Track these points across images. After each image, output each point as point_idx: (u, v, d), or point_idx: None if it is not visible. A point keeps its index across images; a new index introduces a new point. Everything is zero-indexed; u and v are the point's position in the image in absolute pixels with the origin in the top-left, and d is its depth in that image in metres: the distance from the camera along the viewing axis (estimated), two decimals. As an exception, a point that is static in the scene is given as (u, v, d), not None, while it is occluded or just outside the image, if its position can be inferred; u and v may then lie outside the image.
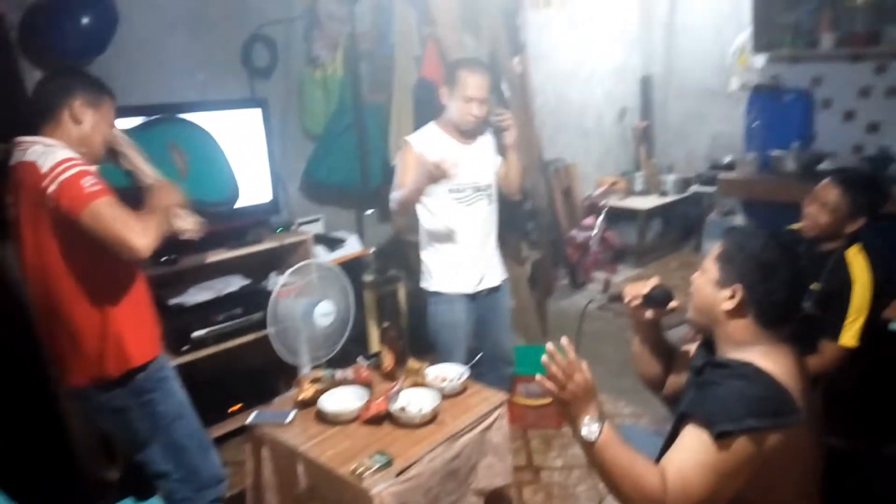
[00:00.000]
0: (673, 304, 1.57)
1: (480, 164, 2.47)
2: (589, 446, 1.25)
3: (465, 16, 3.34)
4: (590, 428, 1.24)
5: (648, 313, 1.59)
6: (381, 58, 3.45)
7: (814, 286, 2.13)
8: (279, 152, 3.08)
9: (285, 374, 2.74)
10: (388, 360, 2.30)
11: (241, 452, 2.35)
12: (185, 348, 2.56)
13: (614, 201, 5.21)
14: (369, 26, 3.45)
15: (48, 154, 1.64)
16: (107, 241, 1.61)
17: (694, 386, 1.40)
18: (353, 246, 3.30)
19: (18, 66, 2.34)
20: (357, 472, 1.72)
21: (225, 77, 3.02)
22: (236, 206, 2.52)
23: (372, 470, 1.73)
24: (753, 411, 1.20)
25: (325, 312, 2.30)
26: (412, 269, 2.65)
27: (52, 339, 1.80)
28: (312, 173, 3.41)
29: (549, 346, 1.27)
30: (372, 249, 3.49)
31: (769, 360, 1.28)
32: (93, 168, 1.70)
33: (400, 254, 3.59)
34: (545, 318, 3.84)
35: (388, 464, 1.76)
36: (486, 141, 2.52)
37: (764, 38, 3.96)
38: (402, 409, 2.00)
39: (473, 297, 2.53)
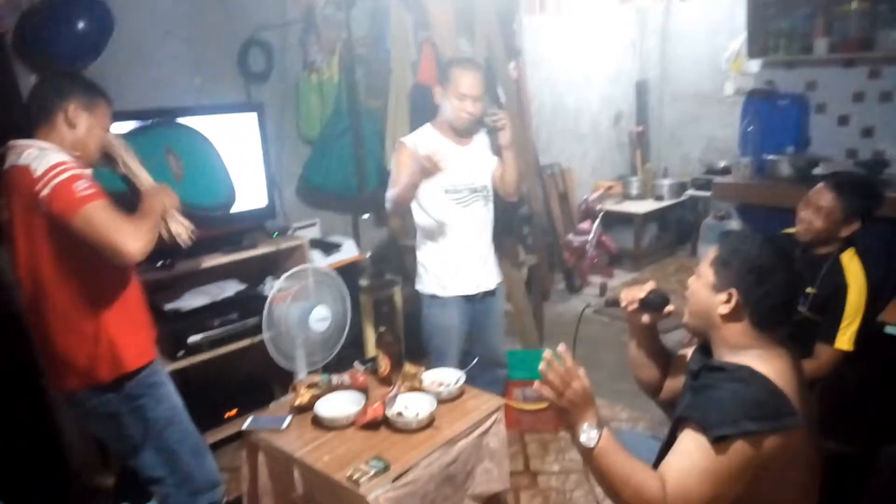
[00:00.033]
0: (669, 308, 1.57)
1: (476, 165, 2.47)
2: (588, 453, 1.25)
3: (461, 21, 3.35)
4: (588, 435, 1.24)
5: (645, 317, 1.59)
6: (377, 63, 3.46)
7: (809, 290, 2.13)
8: (275, 157, 3.08)
9: (281, 380, 2.73)
10: (384, 365, 2.29)
11: (236, 458, 2.35)
12: (180, 353, 2.55)
13: (610, 206, 5.22)
14: (365, 31, 3.46)
15: (42, 158, 1.63)
16: (98, 245, 1.60)
17: (691, 390, 1.40)
18: (349, 250, 3.30)
19: (13, 70, 2.33)
20: (353, 478, 1.72)
21: (221, 81, 3.02)
22: (232, 210, 2.51)
23: (368, 475, 1.72)
24: (750, 415, 1.20)
25: (320, 317, 2.29)
26: (408, 273, 2.65)
27: (45, 343, 1.79)
28: (308, 178, 3.41)
29: (547, 353, 1.27)
30: (368, 254, 3.49)
31: (765, 363, 1.28)
32: (87, 172, 1.69)
33: (396, 258, 3.60)
34: (542, 323, 3.84)
35: (385, 469, 1.76)
36: (482, 142, 2.52)
37: (758, 43, 3.98)
38: (399, 413, 1.99)
39: (468, 301, 2.53)
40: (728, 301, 1.33)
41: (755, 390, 1.24)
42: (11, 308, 2.15)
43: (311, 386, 2.14)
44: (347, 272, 2.84)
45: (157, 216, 1.79)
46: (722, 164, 5.05)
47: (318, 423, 2.02)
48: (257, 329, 2.36)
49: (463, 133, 2.44)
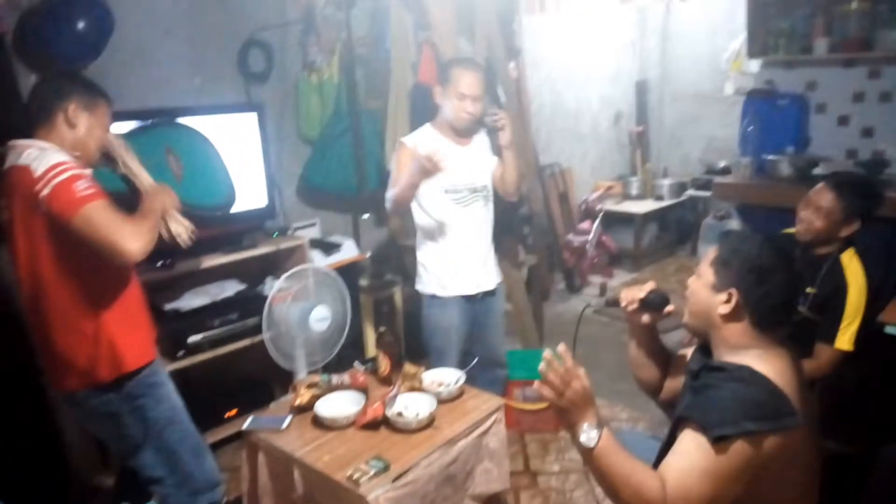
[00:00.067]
0: (669, 308, 1.57)
1: (476, 165, 2.47)
2: (588, 453, 1.25)
3: (461, 21, 3.35)
4: (588, 435, 1.24)
5: (645, 317, 1.59)
6: (377, 63, 3.46)
7: (809, 290, 2.14)
8: (275, 157, 3.08)
9: (281, 380, 2.73)
10: (384, 365, 2.29)
11: (237, 458, 2.35)
12: (180, 353, 2.55)
13: (610, 205, 5.22)
14: (365, 31, 3.46)
15: (42, 158, 1.63)
16: (98, 244, 1.60)
17: (691, 390, 1.40)
18: (349, 251, 3.30)
19: (14, 69, 2.33)
20: (354, 478, 1.72)
21: (221, 82, 3.02)
22: (232, 210, 2.51)
23: (368, 475, 1.72)
24: (750, 414, 1.20)
25: (320, 317, 2.29)
26: (408, 273, 2.65)
27: (45, 343, 1.79)
28: (308, 178, 3.41)
29: (547, 353, 1.27)
30: (368, 254, 3.49)
31: (765, 363, 1.28)
32: (86, 172, 1.69)
33: (396, 258, 3.60)
34: (542, 323, 3.84)
35: (385, 469, 1.76)
36: (482, 142, 2.52)
37: (758, 43, 3.98)
38: (399, 414, 1.99)
39: (468, 301, 2.53)
40: (728, 301, 1.33)
41: (755, 390, 1.24)
42: (12, 308, 2.15)
43: (311, 386, 2.14)
44: (347, 272, 2.84)
45: (157, 216, 1.79)
46: (722, 164, 5.05)
47: (319, 423, 2.02)
48: (257, 329, 2.36)
49: (463, 133, 2.44)
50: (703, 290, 1.38)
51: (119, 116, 2.01)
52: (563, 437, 2.87)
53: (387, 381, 2.27)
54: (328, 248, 3.23)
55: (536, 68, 4.77)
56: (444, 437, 1.93)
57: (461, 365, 2.41)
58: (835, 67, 3.81)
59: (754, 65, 4.20)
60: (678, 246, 5.67)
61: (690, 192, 5.43)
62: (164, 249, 1.94)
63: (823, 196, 2.13)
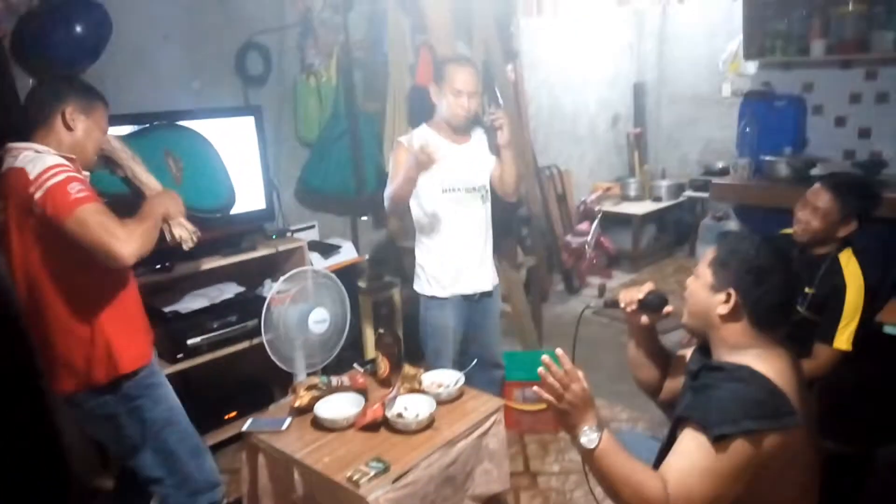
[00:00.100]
0: (668, 308, 1.58)
1: (474, 164, 2.47)
2: (588, 454, 1.26)
3: (459, 24, 3.36)
4: (589, 437, 1.25)
5: (644, 318, 1.60)
6: (374, 66, 3.46)
7: (807, 290, 2.14)
8: (273, 160, 3.08)
9: (281, 382, 2.73)
10: (383, 367, 2.29)
11: (236, 460, 2.35)
12: (180, 356, 2.55)
13: (608, 207, 5.23)
14: (363, 34, 3.47)
15: (37, 160, 1.64)
16: (91, 247, 1.60)
17: (690, 390, 1.40)
18: (347, 253, 3.31)
19: (12, 73, 2.33)
20: (354, 479, 1.72)
21: (219, 85, 3.03)
22: (231, 213, 2.51)
23: (368, 476, 1.73)
24: (750, 413, 1.20)
25: (319, 319, 2.29)
26: (407, 274, 2.65)
27: (43, 345, 1.79)
28: (307, 180, 3.42)
29: (546, 357, 1.28)
30: (366, 256, 3.49)
31: (764, 362, 1.29)
32: (82, 175, 1.69)
33: (395, 260, 3.60)
34: (541, 324, 3.85)
35: (385, 470, 1.76)
36: (480, 141, 2.52)
37: (755, 44, 3.99)
38: (399, 415, 2.00)
39: (466, 301, 2.53)
40: (727, 301, 1.34)
41: (755, 390, 1.25)
42: (11, 310, 2.15)
43: (310, 388, 2.14)
44: (346, 274, 2.85)
45: (154, 220, 1.79)
46: (720, 165, 5.06)
47: (318, 424, 2.02)
48: (256, 331, 2.37)
49: (460, 131, 2.45)
50: (702, 290, 1.39)
51: (117, 120, 2.01)
52: (562, 438, 2.87)
53: (386, 383, 2.27)
54: (327, 250, 3.24)
55: (534, 71, 4.78)
56: (444, 438, 1.93)
57: (458, 366, 2.41)
58: (832, 69, 3.82)
59: (751, 66, 4.22)
60: (676, 247, 5.68)
61: (688, 193, 5.44)
62: (164, 252, 1.94)
63: (821, 196, 2.14)
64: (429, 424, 1.98)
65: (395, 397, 2.08)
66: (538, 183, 4.37)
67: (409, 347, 2.89)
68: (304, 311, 2.28)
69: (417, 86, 3.34)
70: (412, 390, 2.16)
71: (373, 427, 1.98)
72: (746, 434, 1.19)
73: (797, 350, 1.44)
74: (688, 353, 1.60)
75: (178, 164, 2.24)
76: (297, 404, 2.09)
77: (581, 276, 4.86)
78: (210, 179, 2.37)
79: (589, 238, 4.75)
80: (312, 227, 3.39)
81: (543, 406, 2.82)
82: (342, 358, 2.47)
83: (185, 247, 1.91)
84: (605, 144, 5.79)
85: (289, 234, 3.10)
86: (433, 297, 2.50)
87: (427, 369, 2.31)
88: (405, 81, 3.39)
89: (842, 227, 2.13)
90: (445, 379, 2.23)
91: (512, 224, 3.64)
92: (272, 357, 2.27)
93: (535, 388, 1.27)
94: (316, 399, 2.10)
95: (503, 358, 2.83)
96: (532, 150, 4.28)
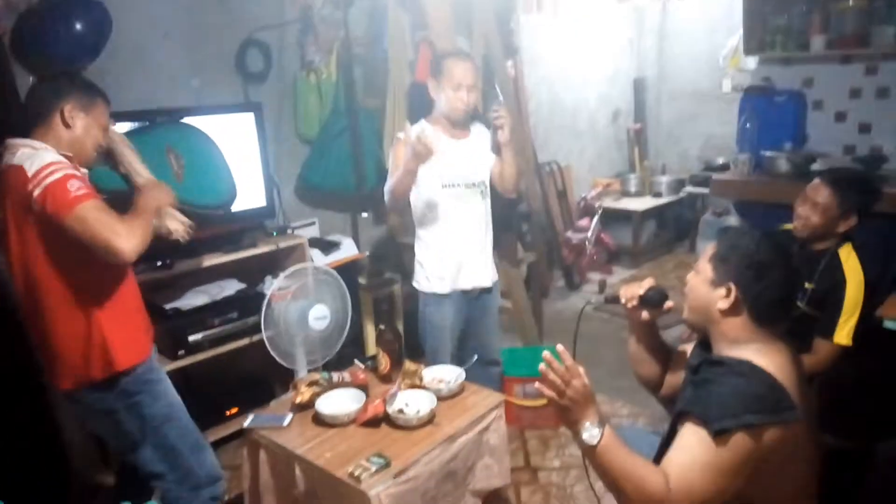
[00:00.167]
0: (668, 304, 1.58)
1: (473, 160, 2.47)
2: (590, 451, 1.26)
3: (459, 20, 3.35)
4: (590, 433, 1.25)
5: (644, 314, 1.60)
6: (374, 62, 3.46)
7: (807, 285, 2.14)
8: (274, 156, 3.08)
9: (282, 378, 2.74)
10: (384, 363, 2.30)
11: (238, 456, 2.35)
12: (180, 352, 2.56)
13: (609, 203, 5.23)
14: (363, 31, 3.46)
15: (36, 158, 1.64)
16: (92, 244, 1.61)
17: (691, 384, 1.41)
18: (348, 249, 3.31)
19: (11, 70, 2.33)
20: (355, 475, 1.72)
21: (219, 82, 3.03)
22: (232, 210, 2.51)
23: (370, 472, 1.73)
24: (750, 407, 1.21)
25: (319, 316, 2.30)
26: (407, 271, 2.66)
27: (42, 341, 1.80)
28: (307, 177, 3.42)
29: (547, 353, 1.28)
30: (367, 252, 3.50)
31: (765, 357, 1.29)
32: (81, 172, 1.70)
33: (395, 256, 3.60)
34: (541, 320, 3.85)
35: (386, 466, 1.77)
36: (479, 135, 2.52)
37: (755, 40, 3.99)
38: (400, 411, 2.00)
39: (465, 297, 2.53)
40: (727, 296, 1.34)
41: (755, 384, 1.25)
42: (9, 304, 2.16)
43: (311, 384, 2.15)
44: (347, 270, 2.85)
45: (151, 214, 1.79)
46: (720, 160, 5.05)
47: (319, 420, 2.03)
48: (257, 328, 2.37)
49: (458, 125, 2.45)
50: (702, 285, 1.39)
51: (118, 117, 2.01)
52: (563, 433, 2.88)
53: (387, 379, 2.28)
54: (327, 246, 3.24)
55: (534, 67, 4.77)
56: (445, 433, 1.94)
57: (456, 361, 2.42)
58: (832, 64, 3.82)
59: (751, 62, 4.21)
60: (676, 243, 5.68)
61: (688, 188, 5.44)
62: (164, 249, 1.95)
63: (820, 192, 2.14)
64: (429, 420, 1.99)
65: (396, 393, 2.08)
66: (538, 179, 4.37)
67: (410, 343, 2.90)
68: (304, 308, 2.29)
69: (417, 82, 3.34)
70: (413, 386, 2.16)
71: (374, 423, 1.99)
72: (747, 428, 1.20)
73: (797, 345, 1.44)
74: (688, 348, 1.61)
75: (179, 160, 2.24)
76: (298, 400, 2.10)
77: (581, 272, 4.86)
78: (212, 176, 2.37)
79: (589, 234, 4.76)
80: (313, 223, 3.39)
81: (544, 402, 2.83)
82: (343, 354, 2.47)
83: (179, 238, 1.91)
84: (605, 140, 5.79)
85: (289, 231, 3.11)
86: (432, 294, 2.50)
87: (427, 365, 2.31)
88: (405, 78, 3.39)
89: (841, 223, 2.14)
90: (446, 375, 2.23)
91: (512, 220, 3.64)
92: (272, 354, 2.28)
93: (537, 384, 1.28)
94: (317, 395, 2.11)
95: (502, 354, 2.83)
96: (532, 146, 4.28)
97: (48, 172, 1.60)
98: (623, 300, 1.60)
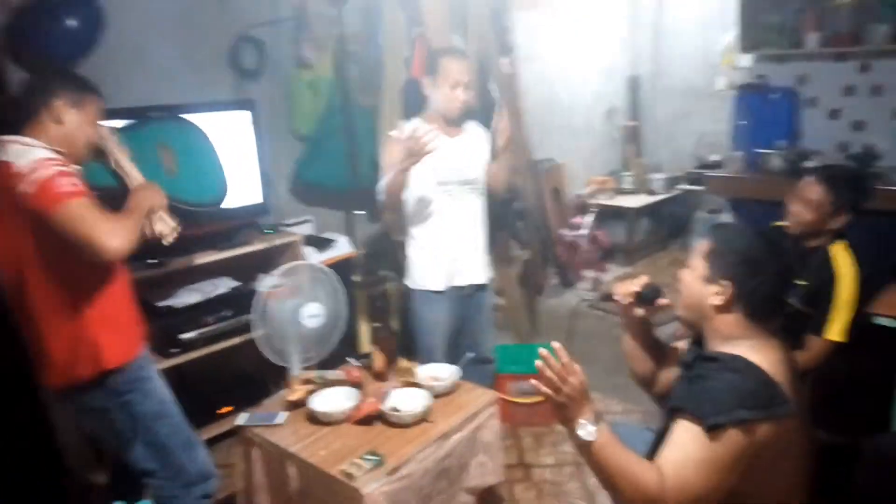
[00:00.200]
0: (663, 300, 1.58)
1: (467, 157, 2.47)
2: (585, 448, 1.26)
3: (454, 17, 3.35)
4: (586, 430, 1.25)
5: (638, 311, 1.60)
6: (369, 59, 3.45)
7: (800, 282, 2.15)
8: (268, 154, 3.07)
9: (276, 376, 2.73)
10: (379, 361, 2.30)
11: (231, 455, 2.34)
12: (174, 350, 2.55)
13: (603, 200, 5.23)
14: (358, 28, 3.45)
15: (25, 154, 1.63)
16: (78, 241, 1.60)
17: (684, 380, 1.41)
18: (343, 247, 3.30)
19: (4, 66, 2.32)
20: (349, 472, 1.72)
21: (213, 79, 3.02)
22: (226, 207, 2.51)
23: (364, 470, 1.73)
24: (744, 403, 1.21)
25: (312, 314, 2.29)
26: (402, 269, 2.65)
27: (33, 340, 1.79)
28: (302, 175, 3.41)
29: (543, 350, 1.28)
30: (361, 250, 3.49)
31: (758, 353, 1.30)
32: (71, 168, 1.68)
33: (390, 253, 3.59)
34: (536, 317, 3.85)
35: (380, 463, 1.76)
36: (474, 134, 2.52)
37: (750, 37, 4.00)
38: (394, 408, 2.00)
39: (459, 295, 2.53)
40: (721, 292, 1.34)
41: (749, 380, 1.26)
42: (3, 305, 2.15)
43: (305, 382, 2.15)
44: (341, 268, 2.84)
45: (140, 214, 1.78)
46: (714, 158, 5.07)
47: (313, 418, 2.02)
48: (251, 326, 2.36)
49: (453, 123, 2.45)
50: (696, 282, 1.40)
51: (112, 114, 2.00)
52: (557, 431, 2.88)
53: (381, 377, 2.28)
54: (322, 244, 3.23)
55: (529, 64, 4.76)
56: (439, 431, 1.94)
57: (448, 359, 2.42)
58: (826, 61, 3.84)
59: (746, 59, 4.22)
60: (671, 240, 5.69)
61: (683, 186, 5.45)
62: (157, 247, 1.94)
63: (813, 189, 2.14)
64: (424, 417, 1.98)
65: (390, 391, 2.08)
66: (533, 176, 4.37)
67: (405, 341, 2.89)
68: (297, 306, 2.28)
69: (412, 79, 3.33)
70: (407, 384, 2.16)
71: (368, 421, 1.99)
72: (740, 424, 1.20)
73: (790, 342, 1.44)
74: (682, 344, 1.61)
75: (172, 157, 2.23)
76: (291, 398, 2.10)
77: (576, 269, 4.86)
78: (203, 173, 2.36)
79: (583, 231, 4.76)
80: (307, 221, 3.38)
81: (538, 399, 2.85)
82: (335, 352, 2.46)
83: (165, 242, 1.91)
84: (600, 138, 5.79)
85: (284, 229, 3.09)
86: (426, 292, 2.50)
87: (421, 363, 2.31)
88: (400, 74, 3.38)
89: (834, 220, 2.14)
90: (440, 372, 2.23)
91: (507, 217, 3.64)
92: (264, 352, 2.27)
93: (533, 381, 1.28)
94: (311, 393, 2.10)
95: (496, 351, 2.83)
96: (528, 143, 4.27)
97: (37, 169, 1.59)
98: (617, 297, 1.60)
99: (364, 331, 3.33)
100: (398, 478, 1.76)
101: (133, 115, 2.35)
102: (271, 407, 2.16)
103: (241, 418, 2.06)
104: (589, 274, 4.91)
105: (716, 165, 4.83)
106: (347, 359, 2.40)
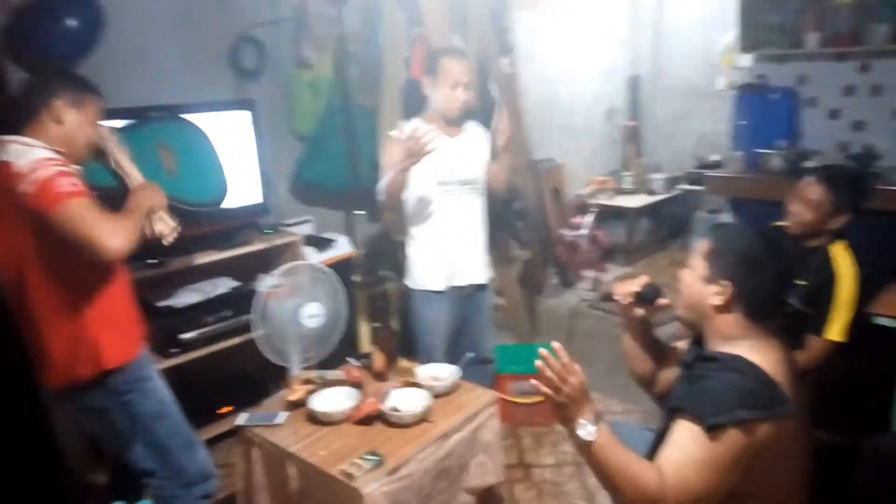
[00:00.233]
0: (662, 301, 1.58)
1: (467, 157, 2.47)
2: (585, 448, 1.26)
3: (454, 16, 3.35)
4: (586, 430, 1.25)
5: (639, 311, 1.60)
6: (369, 59, 3.45)
7: (800, 282, 2.15)
8: (268, 154, 3.07)
9: (276, 376, 2.73)
10: (379, 361, 2.30)
11: (231, 455, 2.34)
12: (174, 350, 2.55)
13: (603, 200, 5.23)
14: (358, 28, 3.45)
15: (25, 154, 1.63)
16: (78, 241, 1.60)
17: (685, 380, 1.41)
18: (343, 247, 3.30)
19: (4, 66, 2.32)
20: (349, 472, 1.72)
21: (213, 79, 3.02)
22: (226, 207, 2.51)
23: (364, 470, 1.73)
24: (744, 403, 1.21)
25: (312, 314, 2.29)
26: (402, 268, 2.65)
27: (33, 340, 1.79)
28: (302, 175, 3.41)
29: (543, 350, 1.28)
30: (361, 250, 3.49)
31: (758, 353, 1.30)
32: (71, 168, 1.68)
33: (390, 253, 3.59)
34: (535, 317, 3.85)
35: (380, 463, 1.76)
36: (474, 134, 2.52)
37: (750, 37, 4.00)
38: (394, 408, 2.00)
39: (459, 295, 2.53)
40: (721, 292, 1.34)
41: (749, 380, 1.26)
42: (5, 306, 2.15)
43: (305, 382, 2.15)
44: (342, 268, 2.84)
45: (140, 214, 1.79)
46: (714, 158, 5.07)
47: (313, 418, 2.02)
48: (251, 326, 2.36)
49: (453, 123, 2.45)
50: (696, 282, 1.40)
51: (112, 114, 2.00)
52: (556, 431, 2.88)
53: (381, 377, 2.28)
54: (322, 244, 3.23)
55: (529, 64, 4.76)
56: (439, 430, 1.94)
57: (448, 359, 2.42)
58: (826, 61, 3.84)
59: (746, 59, 4.22)
60: (671, 240, 5.68)
61: (683, 186, 5.45)
62: (158, 247, 1.94)
63: (813, 189, 2.14)
64: (423, 417, 1.98)
65: (390, 391, 2.08)
66: (533, 176, 4.37)
67: (404, 341, 2.89)
68: (297, 306, 2.28)
69: (412, 79, 3.33)
70: (407, 384, 2.16)
71: (368, 420, 1.98)
72: (740, 424, 1.20)
73: (790, 342, 1.44)
74: (682, 345, 1.61)
75: (172, 157, 2.23)
76: (291, 398, 2.10)
77: (576, 269, 4.86)
78: (203, 173, 2.36)
79: (583, 231, 4.76)
80: (308, 221, 3.38)
81: (538, 399, 2.85)
82: (335, 352, 2.46)
83: (165, 242, 1.91)
84: (600, 138, 5.79)
85: (284, 229, 3.09)
86: (426, 292, 2.50)
87: (421, 363, 2.31)
88: (400, 74, 3.38)
89: (834, 220, 2.14)
90: (440, 372, 2.23)
91: (507, 217, 3.64)
92: (264, 352, 2.27)
93: (533, 381, 1.28)
94: (311, 393, 2.10)
95: (496, 351, 2.83)
96: (528, 143, 4.27)
97: (37, 169, 1.59)
98: (617, 297, 1.60)
99: (364, 331, 3.33)
100: (398, 478, 1.76)
101: (133, 115, 2.35)
102: (271, 407, 2.16)
103: (241, 418, 2.06)
104: (589, 274, 4.91)
105: (716, 165, 4.84)
106: (347, 359, 2.40)
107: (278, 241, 2.93)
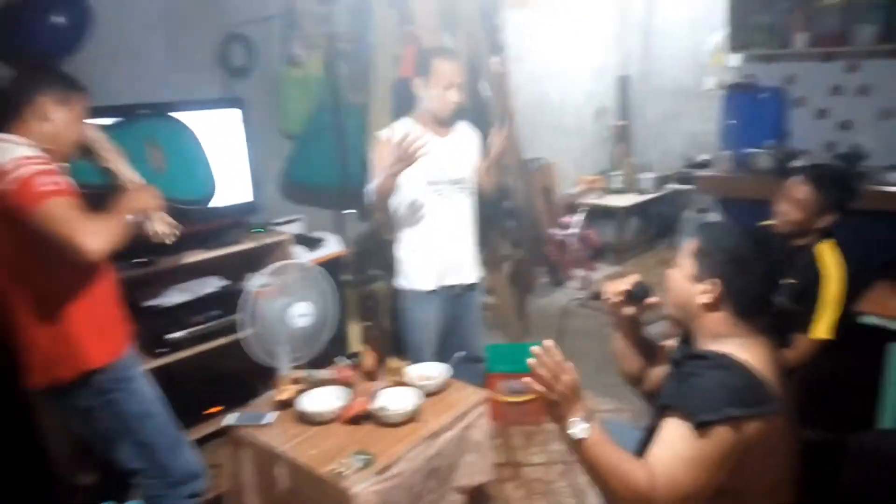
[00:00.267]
0: (652, 299, 1.59)
1: (457, 157, 2.47)
2: (577, 446, 1.27)
3: (444, 15, 3.34)
4: (578, 428, 1.26)
5: (628, 309, 1.61)
6: (360, 57, 3.44)
7: (787, 281, 2.16)
8: (258, 152, 3.05)
9: (265, 376, 2.71)
10: (369, 360, 2.29)
11: (220, 455, 2.33)
12: (161, 350, 2.53)
13: (593, 199, 5.25)
14: (348, 26, 3.44)
15: (6, 151, 1.62)
16: (58, 241, 1.58)
17: (673, 378, 1.42)
18: (332, 246, 3.29)
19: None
20: (338, 472, 1.72)
21: (202, 77, 2.99)
22: (215, 205, 2.49)
23: (353, 469, 1.73)
24: (733, 400, 1.22)
25: (301, 313, 2.28)
26: (392, 268, 2.65)
27: (17, 340, 1.77)
28: (292, 173, 3.39)
29: (536, 349, 1.28)
30: (351, 249, 3.48)
31: (746, 351, 1.30)
32: (54, 167, 1.66)
33: (380, 253, 3.59)
34: (526, 316, 3.86)
35: (370, 462, 1.76)
36: (464, 134, 2.52)
37: (739, 38, 4.03)
38: (383, 407, 2.00)
39: (448, 294, 2.53)
40: (709, 291, 1.35)
41: (737, 377, 1.26)
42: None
43: (294, 381, 2.14)
44: (331, 267, 2.83)
45: (125, 216, 1.77)
46: (703, 157, 5.10)
47: (303, 417, 2.02)
48: (240, 325, 2.35)
49: (443, 123, 2.45)
50: (684, 280, 1.40)
51: (100, 112, 1.98)
52: (546, 429, 2.89)
53: (371, 376, 2.27)
54: (312, 243, 3.22)
55: (520, 63, 4.77)
56: (429, 429, 1.94)
57: (439, 358, 2.42)
58: (814, 61, 3.86)
59: (735, 59, 4.25)
60: (660, 239, 5.71)
61: (672, 185, 5.47)
62: (146, 246, 1.93)
63: (800, 188, 2.16)
64: (413, 417, 1.98)
65: (379, 390, 2.08)
66: (523, 176, 4.37)
67: (394, 340, 2.89)
68: (286, 305, 2.27)
69: (403, 78, 3.33)
70: (397, 383, 2.16)
71: (357, 420, 1.98)
72: (729, 421, 1.21)
73: (778, 340, 1.45)
74: (671, 343, 1.61)
75: (160, 155, 2.21)
76: (280, 398, 2.09)
77: (565, 268, 4.88)
78: (192, 171, 2.35)
79: (573, 231, 4.77)
80: (297, 220, 3.36)
81: (528, 398, 2.86)
82: (326, 351, 2.46)
83: (167, 241, 1.90)
84: (590, 137, 5.81)
85: (273, 228, 3.08)
86: (416, 291, 2.50)
87: (411, 362, 2.31)
88: (390, 73, 3.37)
89: (821, 219, 2.16)
90: (430, 371, 2.23)
91: (497, 217, 3.65)
92: (252, 351, 2.26)
93: (526, 379, 1.28)
94: (300, 393, 2.09)
95: (486, 350, 2.83)
96: (518, 143, 4.28)
97: (18, 167, 1.58)
98: (607, 296, 1.61)
99: (354, 330, 3.32)
100: (388, 477, 1.76)
101: (121, 112, 2.33)
102: (260, 407, 2.15)
103: (230, 418, 2.05)
104: (579, 273, 4.93)
105: (704, 165, 4.86)
106: (337, 358, 2.39)
107: (267, 240, 2.91)
